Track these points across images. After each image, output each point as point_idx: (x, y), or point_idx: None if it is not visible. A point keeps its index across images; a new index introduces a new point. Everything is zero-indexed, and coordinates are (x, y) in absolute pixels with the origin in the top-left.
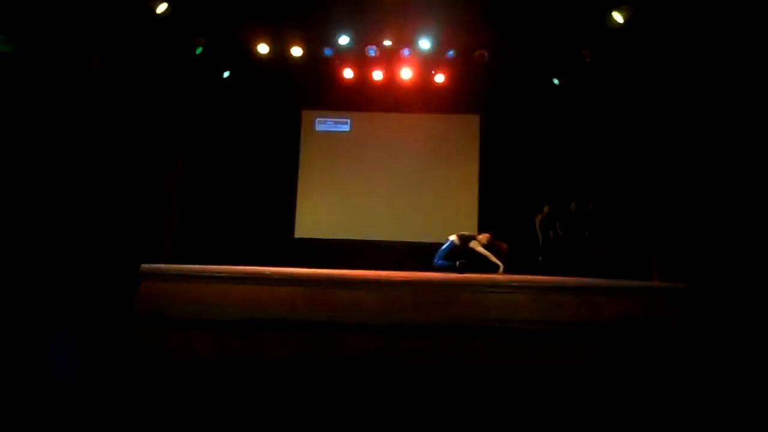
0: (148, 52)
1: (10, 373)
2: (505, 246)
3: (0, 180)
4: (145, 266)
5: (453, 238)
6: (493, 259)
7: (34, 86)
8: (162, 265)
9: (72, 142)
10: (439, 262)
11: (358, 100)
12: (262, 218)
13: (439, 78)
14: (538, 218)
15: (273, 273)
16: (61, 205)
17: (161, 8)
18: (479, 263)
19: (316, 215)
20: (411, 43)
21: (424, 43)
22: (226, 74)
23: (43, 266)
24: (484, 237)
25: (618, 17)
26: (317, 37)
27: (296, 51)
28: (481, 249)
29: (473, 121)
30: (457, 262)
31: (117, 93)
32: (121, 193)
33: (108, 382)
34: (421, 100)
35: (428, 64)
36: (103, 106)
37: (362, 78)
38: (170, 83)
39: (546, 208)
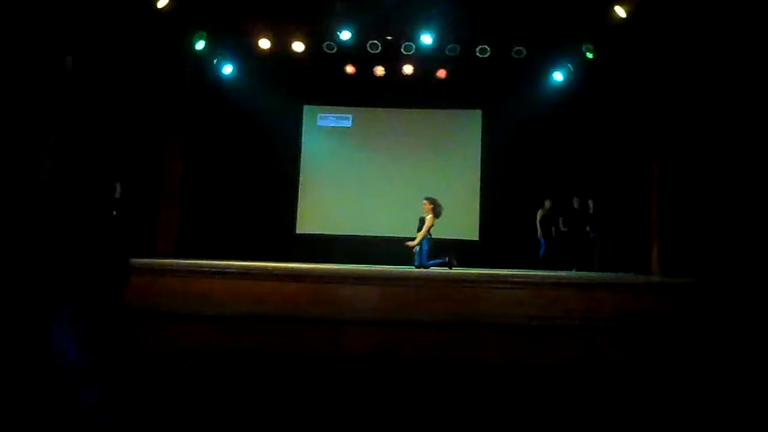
0: (148, 48)
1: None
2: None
3: None
4: (141, 261)
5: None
6: (422, 233)
7: (22, 83)
8: (158, 260)
9: (55, 137)
10: (428, 263)
11: (360, 95)
12: (264, 214)
13: (441, 73)
14: (540, 214)
15: (273, 268)
16: (46, 197)
17: (162, 2)
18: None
19: (318, 211)
20: (413, 39)
21: (426, 39)
22: (227, 69)
23: (31, 259)
24: (428, 209)
25: (620, 12)
26: (319, 33)
27: (298, 46)
28: (428, 221)
29: (475, 117)
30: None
31: (112, 88)
32: (111, 186)
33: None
34: (423, 95)
35: (430, 59)
36: (89, 103)
37: (364, 73)
38: (172, 77)
39: (548, 204)
